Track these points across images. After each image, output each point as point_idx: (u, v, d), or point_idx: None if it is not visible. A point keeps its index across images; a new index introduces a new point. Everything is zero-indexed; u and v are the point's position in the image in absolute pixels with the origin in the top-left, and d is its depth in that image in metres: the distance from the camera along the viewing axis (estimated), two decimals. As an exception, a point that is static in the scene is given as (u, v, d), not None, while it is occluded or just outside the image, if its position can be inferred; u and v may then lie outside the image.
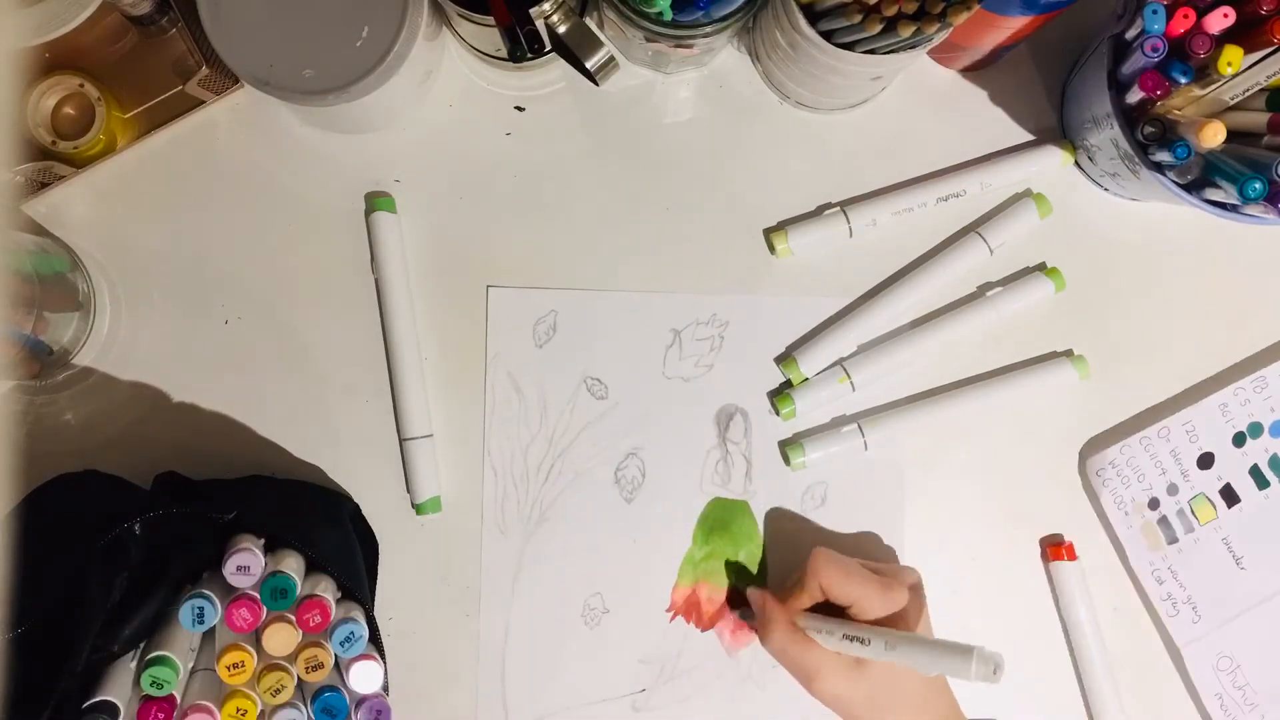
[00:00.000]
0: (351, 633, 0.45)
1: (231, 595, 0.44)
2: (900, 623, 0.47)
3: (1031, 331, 0.56)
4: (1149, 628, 0.55)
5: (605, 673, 0.54)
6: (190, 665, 0.45)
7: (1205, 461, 0.55)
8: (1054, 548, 0.54)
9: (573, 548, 0.54)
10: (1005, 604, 0.55)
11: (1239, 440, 0.55)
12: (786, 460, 0.54)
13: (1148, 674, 0.55)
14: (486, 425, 0.54)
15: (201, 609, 0.43)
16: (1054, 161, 0.55)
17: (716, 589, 0.54)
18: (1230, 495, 0.55)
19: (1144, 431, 0.55)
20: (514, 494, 0.54)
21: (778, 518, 0.54)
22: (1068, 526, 0.55)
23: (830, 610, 0.48)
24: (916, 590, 0.49)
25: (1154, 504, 0.55)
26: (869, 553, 0.54)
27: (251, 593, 0.44)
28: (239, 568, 0.44)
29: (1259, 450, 0.55)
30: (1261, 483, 0.55)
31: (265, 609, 0.44)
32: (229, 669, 0.43)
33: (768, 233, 0.55)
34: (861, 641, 0.45)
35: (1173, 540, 0.55)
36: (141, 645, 0.45)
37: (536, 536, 0.54)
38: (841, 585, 0.47)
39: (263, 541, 0.46)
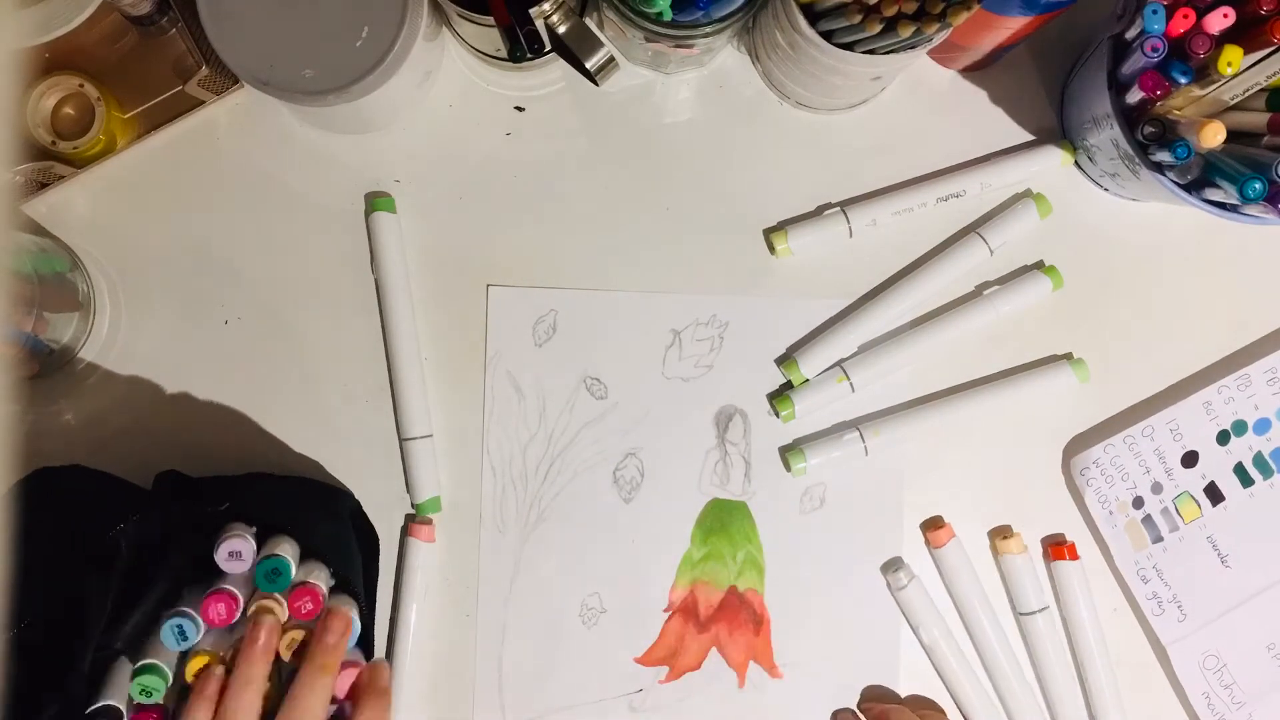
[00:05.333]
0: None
1: (210, 588, 0.44)
2: None
3: (1031, 332, 0.55)
4: (1136, 627, 0.55)
5: (602, 673, 0.53)
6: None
7: (1189, 460, 0.55)
8: (1055, 547, 0.54)
9: (571, 547, 0.54)
10: (1006, 604, 0.55)
11: (1223, 438, 0.55)
12: (787, 466, 0.54)
13: (1139, 673, 0.55)
14: (486, 425, 0.54)
15: (181, 626, 0.43)
16: (1054, 161, 0.55)
17: (715, 589, 0.54)
18: (1214, 493, 0.55)
19: (1128, 430, 0.55)
20: (513, 493, 0.54)
21: (776, 519, 0.54)
22: (1068, 526, 0.55)
23: None
24: None
25: (1138, 503, 0.55)
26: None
27: (228, 587, 0.44)
28: (230, 554, 0.44)
29: (1243, 448, 0.55)
30: (1245, 480, 0.55)
31: (242, 601, 0.44)
32: (197, 676, 0.43)
33: (768, 233, 0.55)
34: None
35: (1157, 539, 0.54)
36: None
37: (535, 536, 0.54)
38: None
39: (254, 530, 0.46)
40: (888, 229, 0.55)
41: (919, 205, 0.54)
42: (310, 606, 0.44)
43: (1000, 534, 0.54)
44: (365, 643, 0.48)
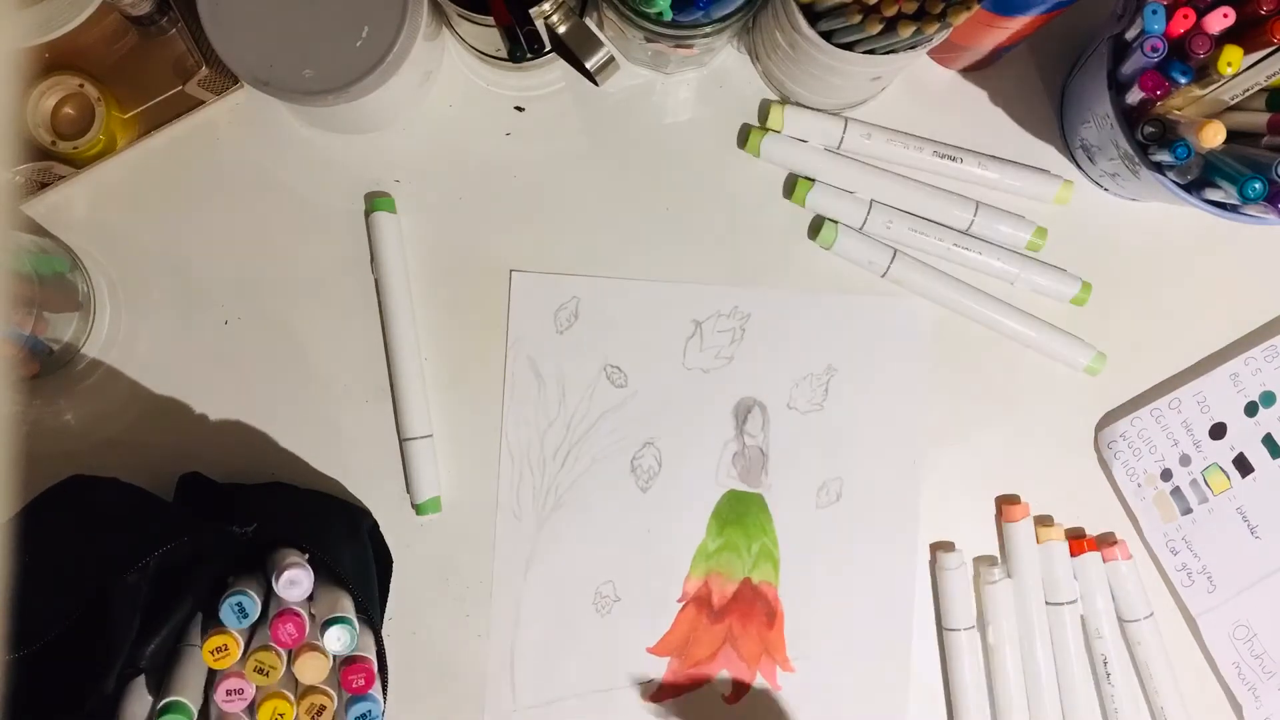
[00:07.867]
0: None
1: (278, 608, 0.44)
2: None
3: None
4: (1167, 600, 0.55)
5: (615, 661, 0.54)
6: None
7: (1217, 432, 0.55)
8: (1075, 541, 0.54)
9: (586, 535, 0.54)
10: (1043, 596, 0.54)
11: (1251, 410, 0.55)
12: (814, 235, 0.54)
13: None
14: (504, 410, 0.54)
15: (240, 603, 0.43)
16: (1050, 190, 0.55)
17: (729, 581, 0.54)
18: (1243, 465, 0.55)
19: (1154, 403, 0.55)
20: (530, 479, 0.54)
21: (792, 512, 0.54)
22: (1082, 515, 0.55)
23: None
24: None
25: (1166, 475, 0.55)
26: None
27: (297, 607, 0.44)
28: (291, 582, 0.44)
29: (1271, 419, 0.55)
30: (1275, 451, 0.55)
31: (306, 620, 0.44)
32: (213, 653, 0.42)
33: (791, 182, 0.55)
34: None
35: (1186, 511, 0.55)
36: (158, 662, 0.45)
37: (551, 522, 0.54)
38: None
39: (307, 556, 0.46)
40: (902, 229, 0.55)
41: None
42: (363, 682, 0.44)
43: (1041, 522, 0.55)
44: (379, 663, 0.47)
